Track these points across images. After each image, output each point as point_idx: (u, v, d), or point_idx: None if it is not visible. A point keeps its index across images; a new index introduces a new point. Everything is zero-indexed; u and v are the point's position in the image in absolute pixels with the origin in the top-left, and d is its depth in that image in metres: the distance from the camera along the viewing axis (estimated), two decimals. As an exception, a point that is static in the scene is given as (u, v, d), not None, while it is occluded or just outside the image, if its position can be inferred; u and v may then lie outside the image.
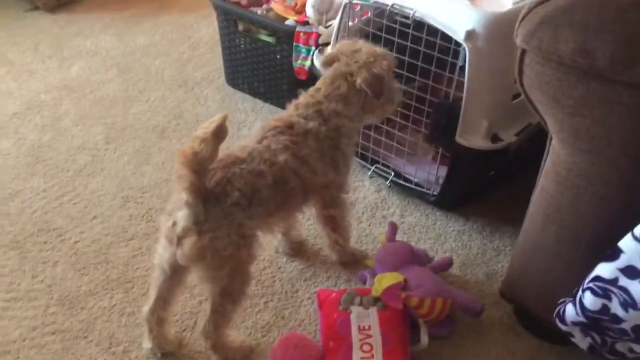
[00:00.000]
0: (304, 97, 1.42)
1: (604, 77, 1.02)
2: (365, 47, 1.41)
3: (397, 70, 1.66)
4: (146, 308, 1.38)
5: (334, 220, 1.55)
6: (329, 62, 1.44)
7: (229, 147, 1.31)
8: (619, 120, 1.04)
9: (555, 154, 1.19)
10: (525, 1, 1.50)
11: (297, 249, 1.67)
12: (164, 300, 1.37)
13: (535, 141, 1.62)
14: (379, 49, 1.43)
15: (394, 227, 1.59)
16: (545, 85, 1.11)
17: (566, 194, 1.19)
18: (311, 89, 1.43)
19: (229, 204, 1.23)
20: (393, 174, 1.83)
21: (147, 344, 1.41)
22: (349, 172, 1.50)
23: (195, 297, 1.53)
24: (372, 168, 1.86)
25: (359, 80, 1.37)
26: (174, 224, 1.24)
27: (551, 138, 1.20)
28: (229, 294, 1.32)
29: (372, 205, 1.82)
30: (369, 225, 1.76)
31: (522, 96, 1.18)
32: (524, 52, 1.11)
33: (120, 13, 2.66)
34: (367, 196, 1.85)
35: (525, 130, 1.62)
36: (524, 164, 1.79)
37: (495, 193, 1.84)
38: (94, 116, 2.11)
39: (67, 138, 2.01)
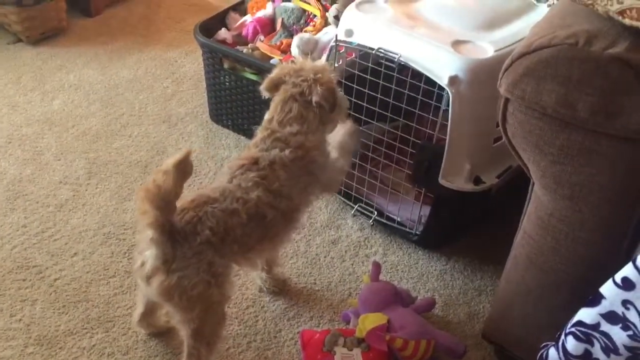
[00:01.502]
0: (260, 132, 1.41)
1: (585, 127, 1.05)
2: (307, 64, 1.42)
3: (381, 112, 1.70)
4: (135, 317, 1.48)
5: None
6: (273, 87, 1.42)
7: (200, 189, 1.33)
8: (599, 169, 1.08)
9: (538, 199, 1.22)
10: (506, 49, 1.55)
11: (281, 287, 1.67)
12: (151, 310, 1.45)
13: (515, 182, 1.66)
14: (319, 63, 1.45)
15: (377, 267, 1.60)
16: (528, 134, 1.14)
17: (548, 238, 1.21)
18: (264, 122, 1.42)
19: (199, 242, 1.22)
20: (376, 212, 1.84)
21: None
22: (331, 169, 1.46)
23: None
24: (356, 207, 1.88)
25: (315, 97, 1.36)
26: (143, 263, 1.24)
27: (533, 183, 1.24)
28: (201, 335, 1.30)
29: (355, 243, 1.83)
30: (352, 264, 1.76)
31: (506, 142, 1.21)
32: (507, 101, 1.15)
33: (103, 47, 2.66)
34: (350, 234, 1.86)
35: (506, 172, 1.65)
36: (504, 204, 1.83)
37: (475, 233, 1.86)
38: (76, 150, 2.10)
39: (48, 172, 1.99)
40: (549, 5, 1.76)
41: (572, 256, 1.19)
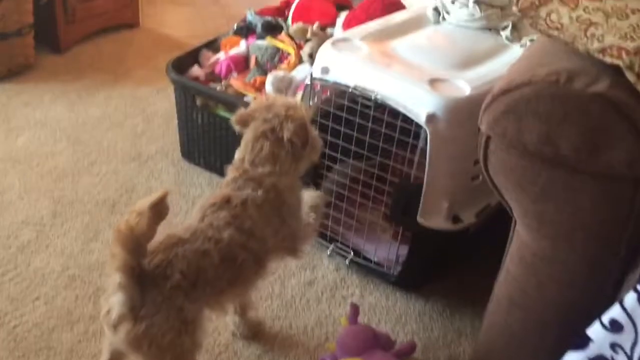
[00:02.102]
0: (231, 171, 1.38)
1: (568, 165, 1.04)
2: (278, 100, 1.39)
3: (358, 150, 1.68)
4: None
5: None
6: (243, 121, 1.39)
7: (170, 230, 1.26)
8: (582, 207, 1.06)
9: (520, 239, 1.19)
10: (482, 87, 1.54)
11: (255, 332, 1.60)
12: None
13: (492, 221, 1.65)
14: (291, 99, 1.42)
15: (356, 310, 1.55)
16: (509, 172, 1.12)
17: (531, 278, 1.19)
18: (235, 161, 1.39)
19: (169, 287, 1.16)
20: (352, 253, 1.80)
21: None
22: (301, 221, 1.44)
23: None
24: (331, 246, 1.83)
25: (287, 134, 1.32)
26: (108, 311, 1.17)
27: (515, 222, 1.21)
28: None
29: (332, 285, 1.78)
30: (329, 307, 1.71)
31: (487, 181, 1.19)
32: (488, 138, 1.13)
33: (72, 84, 2.61)
34: (325, 275, 1.81)
35: (484, 210, 1.64)
36: (482, 241, 1.81)
37: (453, 271, 1.83)
38: (41, 189, 2.02)
39: (10, 212, 1.91)
40: (521, 46, 1.78)
41: (557, 297, 1.16)
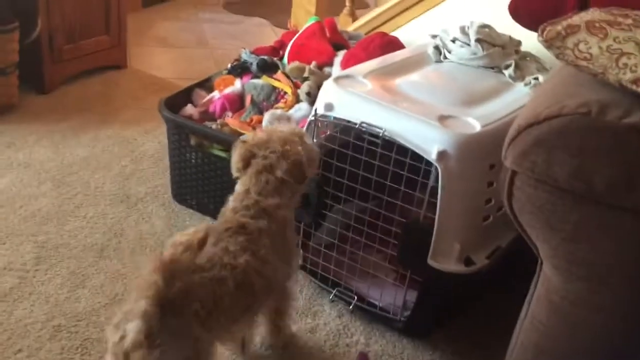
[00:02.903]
0: (235, 201, 1.39)
1: (602, 202, 0.98)
2: (276, 134, 1.42)
3: (363, 189, 1.61)
4: None
5: (281, 310, 1.54)
6: (245, 163, 1.40)
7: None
8: (619, 246, 1.00)
9: (547, 281, 1.12)
10: (493, 124, 1.51)
11: (288, 342, 1.61)
12: None
13: (501, 261, 1.58)
14: (288, 131, 1.43)
15: (365, 358, 1.45)
16: (537, 209, 1.06)
17: (561, 324, 1.11)
18: (239, 194, 1.40)
19: (188, 315, 1.16)
20: (356, 297, 1.71)
21: None
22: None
23: None
24: (334, 292, 1.74)
25: (279, 173, 1.36)
26: (122, 337, 1.12)
27: (541, 263, 1.15)
28: None
29: (335, 332, 1.68)
30: (332, 355, 1.61)
31: (511, 219, 1.13)
32: (514, 174, 1.07)
33: (57, 125, 2.52)
34: (328, 322, 1.71)
35: (495, 252, 1.57)
36: (491, 284, 1.75)
37: (462, 315, 1.75)
38: (23, 233, 1.91)
39: (-9, 258, 1.79)
40: (525, 84, 1.76)
41: (589, 343, 1.09)
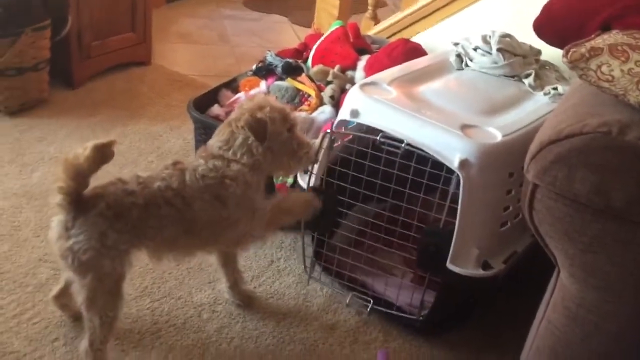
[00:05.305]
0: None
1: (620, 217, 1.04)
2: (259, 98, 1.56)
3: (383, 197, 1.67)
4: (52, 292, 1.61)
5: (233, 260, 1.72)
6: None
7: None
8: (635, 259, 1.05)
9: (564, 288, 1.18)
10: (513, 134, 1.56)
11: (248, 302, 1.77)
12: (68, 288, 1.56)
13: (517, 266, 1.64)
14: (274, 102, 1.55)
15: (386, 357, 1.52)
16: (557, 221, 1.12)
17: (576, 330, 1.17)
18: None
19: (94, 213, 1.36)
20: (372, 301, 1.77)
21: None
22: (252, 216, 1.53)
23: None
24: (350, 295, 1.80)
25: (241, 123, 1.48)
26: (51, 228, 1.40)
27: (559, 271, 1.20)
28: (93, 306, 1.41)
29: (354, 329, 1.75)
30: (353, 352, 1.68)
31: (531, 229, 1.19)
32: (535, 187, 1.13)
33: (86, 120, 2.60)
34: (347, 319, 1.78)
35: (511, 257, 1.63)
36: (506, 288, 1.80)
37: (478, 317, 1.82)
38: (57, 226, 1.98)
39: (26, 249, 1.87)
40: (545, 94, 1.81)
41: (603, 349, 1.15)
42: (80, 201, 1.36)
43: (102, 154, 1.33)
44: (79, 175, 1.33)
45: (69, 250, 1.36)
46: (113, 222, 1.37)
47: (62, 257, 1.39)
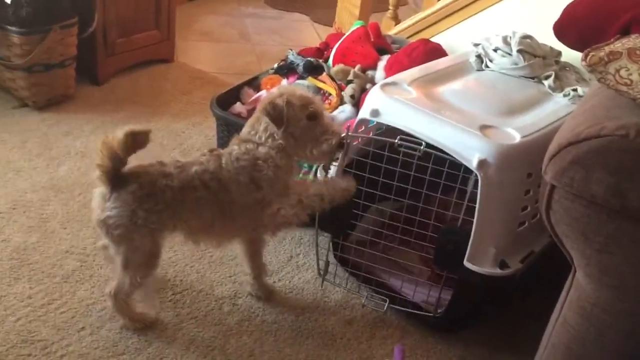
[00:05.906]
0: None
1: (636, 217, 1.06)
2: (284, 86, 1.74)
3: (398, 199, 1.69)
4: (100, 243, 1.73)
5: (259, 251, 1.76)
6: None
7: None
8: (649, 259, 1.07)
9: (580, 287, 1.20)
10: (531, 136, 1.58)
11: (268, 296, 1.82)
12: None
13: (534, 265, 1.66)
14: (299, 90, 1.62)
15: (402, 353, 1.55)
16: (573, 221, 1.14)
17: (591, 329, 1.19)
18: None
19: (126, 191, 1.46)
20: (388, 300, 1.80)
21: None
22: (283, 198, 1.58)
23: None
24: (365, 295, 1.83)
25: (260, 107, 1.58)
26: (93, 199, 1.53)
27: (575, 270, 1.23)
28: (126, 269, 1.53)
29: (371, 324, 1.78)
30: (370, 347, 1.71)
31: (548, 229, 1.21)
32: (553, 188, 1.15)
33: (111, 115, 2.66)
34: (365, 314, 1.81)
35: (528, 257, 1.65)
36: (523, 287, 1.82)
37: (493, 316, 1.84)
38: (83, 219, 2.04)
39: (54, 241, 1.93)
40: (564, 95, 1.82)
41: (617, 348, 1.17)
42: (118, 177, 1.47)
43: (135, 140, 1.44)
44: (114, 155, 1.44)
45: (103, 222, 1.49)
46: (143, 201, 1.47)
47: (98, 226, 1.51)
